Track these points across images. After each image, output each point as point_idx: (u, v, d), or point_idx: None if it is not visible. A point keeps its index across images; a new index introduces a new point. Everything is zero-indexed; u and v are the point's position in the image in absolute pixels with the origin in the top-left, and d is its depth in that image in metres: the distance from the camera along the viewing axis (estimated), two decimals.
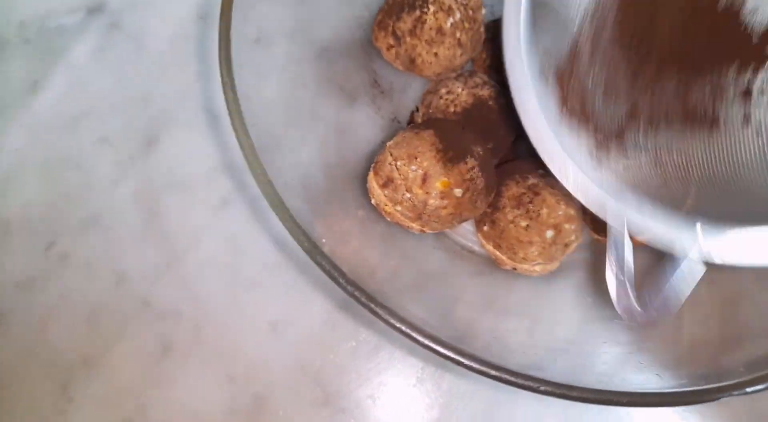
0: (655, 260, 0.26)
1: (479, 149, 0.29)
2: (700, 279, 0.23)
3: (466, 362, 0.24)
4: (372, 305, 0.25)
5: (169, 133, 0.37)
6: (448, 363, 0.25)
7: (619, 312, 0.24)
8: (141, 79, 0.38)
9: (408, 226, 0.29)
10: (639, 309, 0.23)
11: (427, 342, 0.24)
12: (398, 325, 0.24)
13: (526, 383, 0.24)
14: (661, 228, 0.24)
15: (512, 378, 0.24)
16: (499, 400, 0.33)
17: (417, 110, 0.35)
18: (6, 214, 0.37)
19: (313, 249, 0.25)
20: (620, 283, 0.24)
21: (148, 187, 0.37)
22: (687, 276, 0.23)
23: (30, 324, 0.36)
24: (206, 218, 0.36)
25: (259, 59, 0.31)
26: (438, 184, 0.28)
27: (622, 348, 0.28)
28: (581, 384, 0.24)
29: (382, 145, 0.33)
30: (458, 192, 0.28)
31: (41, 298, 0.36)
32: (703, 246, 0.23)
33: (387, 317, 0.24)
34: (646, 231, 0.24)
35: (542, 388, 0.24)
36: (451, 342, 0.25)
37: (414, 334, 0.24)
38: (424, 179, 0.28)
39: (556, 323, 0.30)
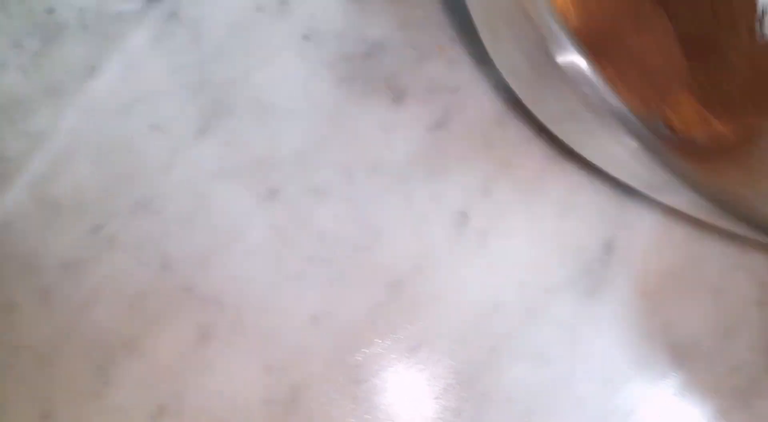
0: None
1: None
2: None
3: None
4: None
5: (221, 122, 0.38)
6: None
7: None
8: (195, 67, 0.38)
9: None
10: None
11: None
12: None
13: None
14: None
15: None
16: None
17: None
18: (57, 194, 0.37)
19: None
20: None
21: (198, 175, 0.37)
22: None
23: (73, 304, 0.36)
24: (253, 208, 0.36)
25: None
26: None
27: None
28: None
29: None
30: None
31: (86, 279, 0.36)
32: None
33: None
34: None
35: None
36: None
37: None
38: None
39: None
